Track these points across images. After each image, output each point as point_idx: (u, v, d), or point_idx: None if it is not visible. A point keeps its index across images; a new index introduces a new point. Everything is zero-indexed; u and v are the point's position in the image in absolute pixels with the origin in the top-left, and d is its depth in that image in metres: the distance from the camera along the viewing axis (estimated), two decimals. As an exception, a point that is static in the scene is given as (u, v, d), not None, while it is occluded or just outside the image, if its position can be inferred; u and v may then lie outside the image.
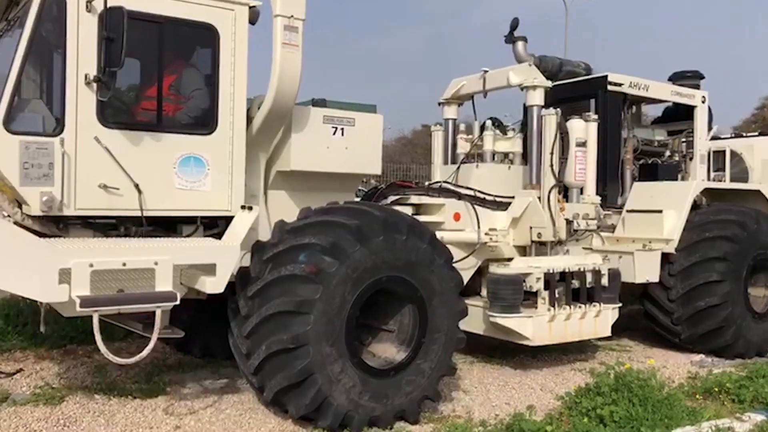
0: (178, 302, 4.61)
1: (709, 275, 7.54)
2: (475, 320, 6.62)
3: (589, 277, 6.92)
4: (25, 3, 4.76)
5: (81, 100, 4.65)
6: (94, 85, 4.64)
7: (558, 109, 7.38)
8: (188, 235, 5.30)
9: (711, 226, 7.78)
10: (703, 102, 8.87)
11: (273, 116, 5.37)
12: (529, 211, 7.13)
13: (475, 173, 7.42)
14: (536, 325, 6.52)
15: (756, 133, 11.16)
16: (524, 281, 6.50)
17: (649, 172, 8.77)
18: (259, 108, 5.41)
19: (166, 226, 5.23)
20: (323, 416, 4.84)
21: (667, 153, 9.17)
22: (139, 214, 4.87)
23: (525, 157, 7.66)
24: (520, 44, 8.13)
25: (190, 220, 5.31)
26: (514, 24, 8.15)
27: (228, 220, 5.26)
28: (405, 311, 5.34)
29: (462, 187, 7.23)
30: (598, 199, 7.82)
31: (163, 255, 4.57)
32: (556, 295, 6.69)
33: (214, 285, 4.77)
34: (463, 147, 8.13)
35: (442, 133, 8.64)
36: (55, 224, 4.85)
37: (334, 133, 5.78)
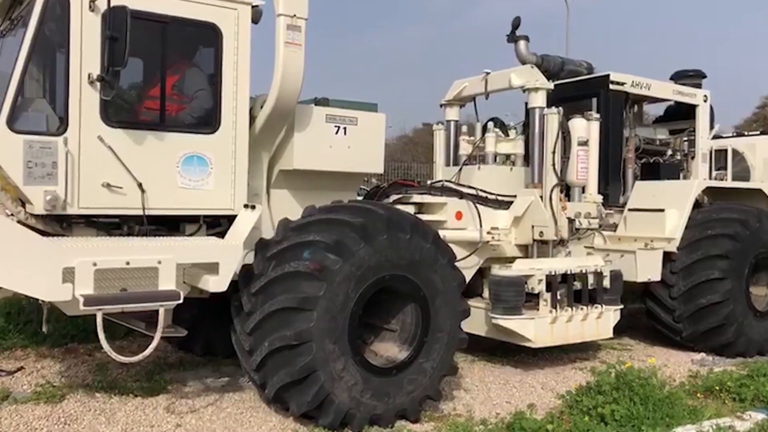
0: (181, 301, 4.63)
1: (711, 272, 7.55)
2: (476, 322, 6.63)
3: (590, 279, 6.93)
4: (29, 2, 4.77)
5: (84, 100, 4.66)
6: (98, 84, 4.65)
7: (560, 108, 7.38)
8: (191, 234, 5.32)
9: (713, 224, 7.79)
10: (704, 101, 8.87)
11: (276, 115, 5.38)
12: (531, 209, 7.14)
13: (477, 175, 7.42)
14: (538, 327, 6.53)
15: (758, 132, 11.16)
16: (526, 283, 6.51)
17: (650, 171, 8.78)
18: (261, 107, 5.42)
19: (169, 225, 5.24)
20: (324, 414, 4.85)
21: (669, 152, 9.17)
22: (142, 213, 4.88)
23: (527, 158, 7.66)
24: (521, 43, 8.13)
25: (193, 219, 5.32)
26: (516, 23, 8.15)
27: (231, 219, 5.28)
28: (407, 310, 5.35)
29: (464, 185, 7.24)
30: (600, 198, 7.82)
31: (167, 254, 4.58)
32: (558, 297, 6.70)
33: (217, 284, 4.79)
34: (465, 148, 8.14)
35: (444, 134, 8.64)
36: (58, 223, 4.87)
37: (337, 132, 5.79)
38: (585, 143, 7.61)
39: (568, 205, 7.38)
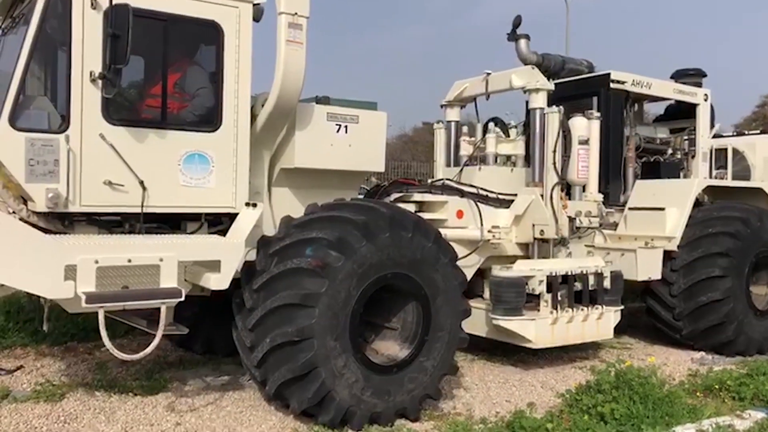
0: (182, 299, 4.64)
1: (711, 270, 7.56)
2: (477, 322, 6.64)
3: (591, 280, 6.93)
4: (30, 0, 4.77)
5: (86, 97, 4.66)
6: (99, 82, 4.66)
7: (560, 107, 7.39)
8: (193, 232, 5.32)
9: (714, 222, 7.80)
10: (705, 100, 8.88)
11: (277, 113, 5.38)
12: (532, 208, 7.15)
13: (478, 176, 7.42)
14: (539, 328, 6.54)
15: (758, 131, 11.18)
16: (527, 284, 6.51)
17: (651, 170, 8.79)
18: (263, 105, 5.42)
19: (171, 223, 5.25)
20: (325, 411, 4.86)
21: (670, 151, 9.17)
22: (144, 210, 4.89)
23: (527, 159, 7.67)
24: (522, 42, 8.13)
25: (194, 217, 5.33)
26: (517, 22, 8.15)
27: (232, 217, 5.28)
28: (409, 309, 5.36)
29: (465, 184, 7.25)
30: (600, 197, 7.83)
31: (168, 252, 4.59)
32: (559, 298, 6.70)
33: (218, 282, 4.80)
34: (465, 149, 8.15)
35: (445, 135, 8.65)
36: (60, 221, 4.87)
37: (338, 131, 5.79)
38: (586, 142, 7.62)
39: (568, 203, 7.40)
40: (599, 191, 7.86)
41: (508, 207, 7.24)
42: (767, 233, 8.00)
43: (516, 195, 7.31)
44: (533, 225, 7.13)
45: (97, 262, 4.33)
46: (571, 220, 7.35)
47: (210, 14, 5.11)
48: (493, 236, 6.92)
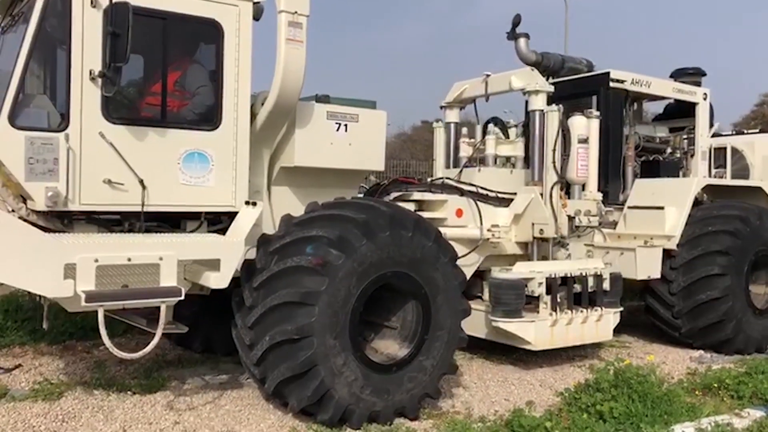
0: (182, 297, 4.64)
1: (710, 268, 7.56)
2: (476, 324, 6.64)
3: (590, 282, 6.94)
4: (30, -2, 4.77)
5: (86, 96, 4.66)
6: (99, 80, 4.65)
7: (560, 105, 7.40)
8: (192, 231, 5.32)
9: (714, 220, 7.81)
10: (704, 99, 8.89)
11: (277, 112, 5.38)
12: (532, 207, 7.15)
13: (477, 177, 7.41)
14: (538, 330, 6.54)
15: (757, 130, 11.20)
16: (526, 286, 6.52)
17: (650, 169, 8.80)
18: (263, 104, 5.42)
19: (171, 222, 5.25)
20: (324, 409, 4.87)
21: (669, 150, 9.18)
22: (144, 209, 4.89)
23: (527, 160, 7.68)
24: (522, 41, 8.13)
25: (194, 216, 5.33)
26: (516, 21, 8.15)
27: (232, 215, 5.28)
28: (408, 308, 5.36)
29: (464, 183, 7.25)
30: (599, 196, 7.84)
31: (168, 250, 4.59)
32: (558, 300, 6.71)
33: (218, 280, 4.80)
34: (465, 150, 8.16)
35: (444, 136, 8.66)
36: (59, 219, 4.87)
37: (338, 129, 5.79)
38: (585, 141, 7.62)
39: (568, 202, 7.40)
40: (599, 190, 7.87)
41: (507, 206, 7.25)
42: (766, 232, 8.02)
43: (515, 194, 7.31)
44: (533, 224, 7.14)
45: (96, 260, 4.33)
46: (571, 219, 7.36)
47: (210, 13, 5.11)
48: (493, 235, 6.92)
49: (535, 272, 6.61)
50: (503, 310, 6.42)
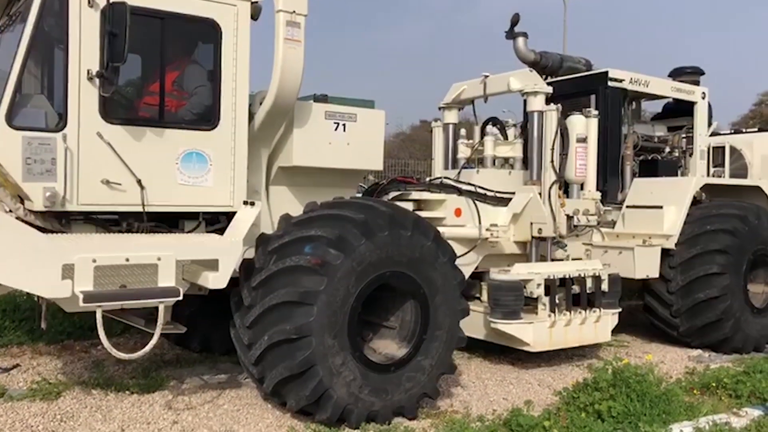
0: (180, 298, 4.63)
1: (709, 267, 7.57)
2: (475, 325, 6.64)
3: (589, 283, 6.94)
4: (27, -2, 4.75)
5: (83, 96, 4.65)
6: (97, 80, 4.64)
7: (558, 105, 7.40)
8: (190, 231, 5.32)
9: (712, 219, 7.81)
10: (703, 98, 8.89)
11: (275, 112, 5.38)
12: (530, 206, 7.15)
13: (476, 178, 7.41)
14: (537, 331, 6.55)
15: (755, 129, 11.20)
16: (525, 287, 6.52)
17: (649, 168, 8.80)
18: (261, 104, 5.42)
19: (169, 222, 5.24)
20: (322, 409, 4.86)
21: (667, 149, 9.19)
22: (141, 209, 4.88)
23: (525, 162, 7.69)
24: (520, 40, 8.13)
25: (192, 216, 5.32)
26: (515, 20, 8.15)
27: (230, 215, 5.27)
28: (407, 307, 5.36)
29: (463, 182, 7.25)
30: (598, 195, 7.85)
31: (166, 250, 4.58)
32: (557, 301, 6.71)
33: (216, 280, 4.79)
34: (463, 152, 8.17)
35: (443, 137, 8.66)
36: (57, 220, 4.86)
37: (336, 129, 5.79)
38: (583, 140, 7.63)
39: (566, 202, 7.41)
40: (597, 189, 7.88)
41: (506, 205, 7.25)
42: (765, 231, 8.02)
43: (514, 193, 7.31)
44: (531, 223, 7.14)
45: (94, 261, 4.32)
46: (569, 218, 7.37)
47: (208, 12, 5.10)
48: (491, 234, 6.92)
49: (534, 274, 6.61)
50: (502, 311, 6.42)
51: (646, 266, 7.57)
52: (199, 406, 5.39)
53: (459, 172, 7.74)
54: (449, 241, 5.76)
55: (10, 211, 4.74)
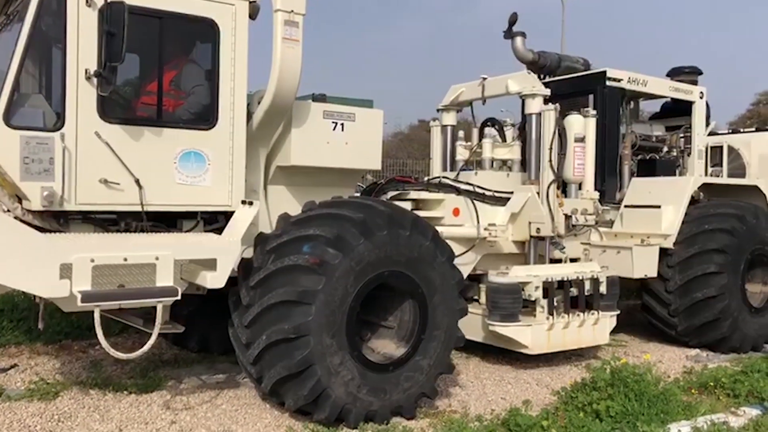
0: (179, 297, 4.63)
1: (707, 266, 7.57)
2: (473, 327, 6.64)
3: (587, 285, 6.95)
4: (25, -3, 4.74)
5: (81, 95, 4.64)
6: (95, 80, 4.63)
7: (556, 105, 7.40)
8: (188, 231, 5.31)
9: (710, 219, 7.82)
10: (700, 98, 8.91)
11: (273, 111, 5.37)
12: (528, 206, 7.15)
13: (474, 180, 7.41)
14: (535, 334, 6.55)
15: (753, 129, 11.22)
16: (523, 290, 6.52)
17: (647, 168, 8.81)
18: (259, 103, 5.42)
19: (167, 222, 5.24)
20: (320, 408, 4.86)
21: (665, 148, 9.20)
22: (139, 209, 4.88)
23: (524, 164, 7.69)
24: (518, 40, 8.14)
25: (190, 215, 5.32)
26: (513, 19, 8.16)
27: (228, 215, 5.27)
28: (405, 307, 5.36)
29: (461, 182, 7.26)
30: (596, 195, 7.86)
31: (164, 250, 4.58)
32: (555, 304, 6.72)
33: (214, 280, 4.78)
34: (461, 154, 8.17)
35: (441, 139, 8.67)
36: (55, 219, 4.85)
37: (334, 129, 5.78)
38: (582, 140, 7.64)
39: (565, 201, 7.41)
40: (595, 189, 7.89)
41: (504, 205, 7.25)
42: (763, 231, 8.03)
43: (512, 193, 7.31)
44: (529, 223, 7.14)
45: (92, 260, 4.31)
46: (567, 217, 7.38)
47: (206, 12, 5.09)
48: (490, 234, 6.92)
49: (532, 276, 6.62)
50: (500, 314, 6.43)
51: (645, 266, 7.57)
52: (197, 406, 5.39)
53: (457, 175, 7.74)
54: (447, 241, 5.76)
55: (8, 210, 4.73)
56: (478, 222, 6.89)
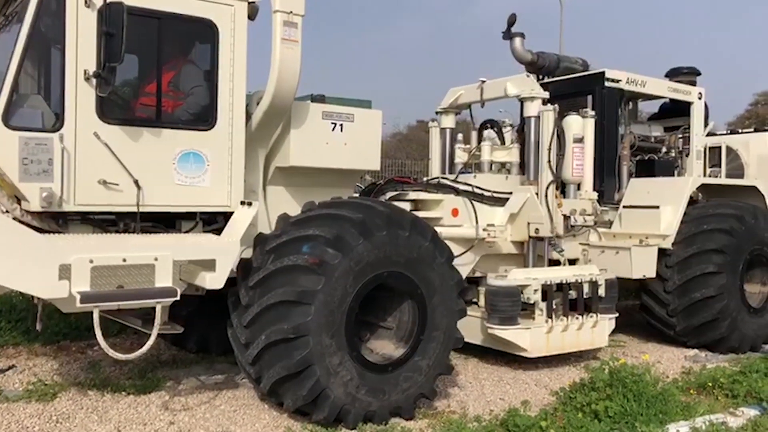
0: (178, 298, 4.63)
1: (705, 267, 7.58)
2: (472, 330, 6.65)
3: (586, 288, 6.95)
4: (24, -2, 4.74)
5: (80, 96, 4.64)
6: (94, 80, 4.63)
7: (555, 105, 7.41)
8: (187, 231, 5.31)
9: (709, 219, 7.83)
10: (699, 98, 8.91)
11: (272, 112, 5.37)
12: (527, 206, 7.16)
13: (473, 183, 7.43)
14: (534, 337, 6.56)
15: (751, 130, 11.23)
16: (522, 293, 6.53)
17: (645, 168, 8.82)
18: (258, 104, 5.42)
19: (166, 222, 5.24)
20: (319, 409, 4.86)
21: (664, 149, 9.20)
22: (139, 209, 4.87)
23: (522, 166, 7.70)
24: (517, 40, 8.15)
25: (189, 216, 5.32)
26: (512, 20, 8.16)
27: (227, 215, 5.27)
28: (404, 308, 5.36)
29: (460, 182, 7.27)
30: (595, 195, 7.86)
31: (163, 251, 4.58)
32: (554, 307, 6.72)
33: (213, 281, 4.78)
34: (460, 156, 8.18)
35: (440, 142, 8.68)
36: (54, 220, 4.84)
37: (333, 129, 5.78)
38: (580, 140, 7.65)
39: (563, 201, 7.42)
40: (594, 189, 7.89)
41: (503, 205, 7.26)
42: (761, 231, 8.04)
43: (511, 194, 7.32)
44: (528, 223, 7.15)
45: (91, 261, 4.31)
46: (566, 218, 7.39)
47: (205, 12, 5.09)
48: (488, 234, 6.93)
49: (531, 279, 6.62)
50: (499, 317, 6.44)
51: (643, 266, 7.58)
52: (195, 406, 5.39)
53: (456, 177, 7.75)
54: (446, 241, 5.77)
55: (7, 211, 4.72)
56: (477, 222, 6.89)
